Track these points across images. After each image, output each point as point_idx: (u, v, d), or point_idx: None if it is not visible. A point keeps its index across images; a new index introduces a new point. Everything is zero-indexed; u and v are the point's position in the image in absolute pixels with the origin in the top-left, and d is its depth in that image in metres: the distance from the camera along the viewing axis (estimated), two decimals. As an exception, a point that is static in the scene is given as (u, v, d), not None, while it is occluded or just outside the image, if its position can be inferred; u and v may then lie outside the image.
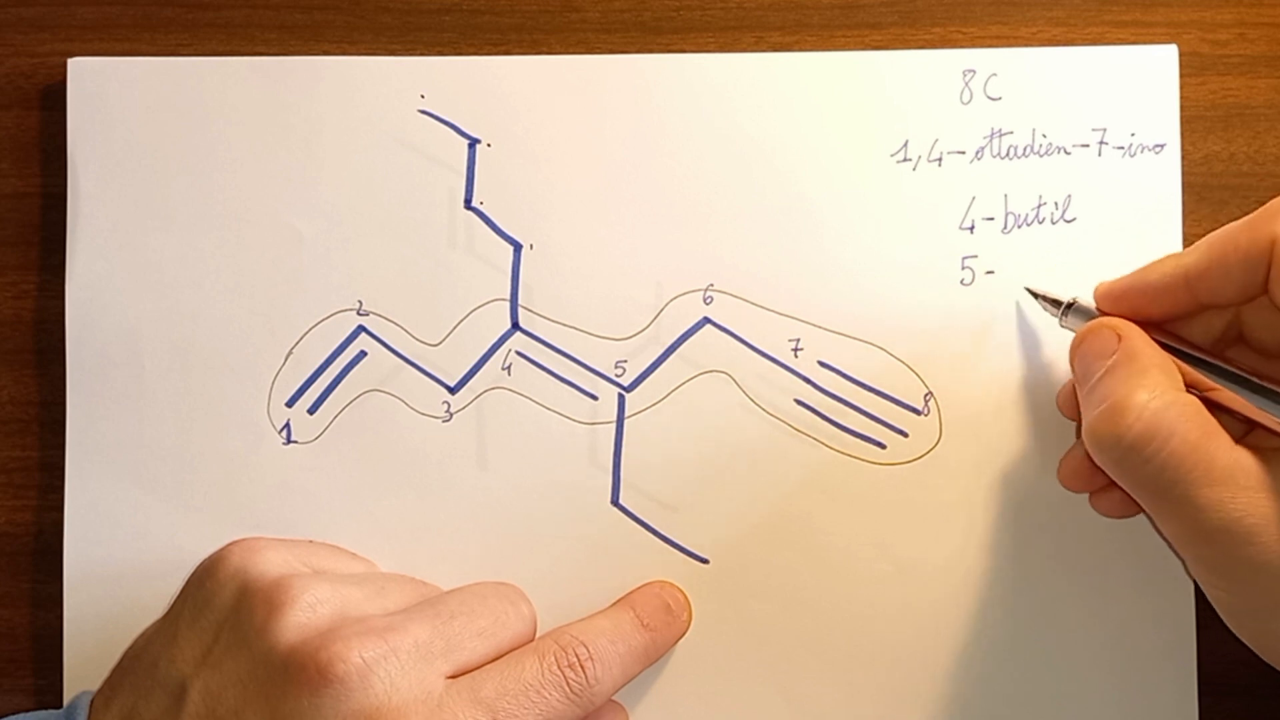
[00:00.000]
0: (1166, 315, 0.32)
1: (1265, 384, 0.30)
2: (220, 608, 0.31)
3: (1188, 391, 0.30)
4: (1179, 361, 0.31)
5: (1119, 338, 0.31)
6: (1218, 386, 0.30)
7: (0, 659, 0.37)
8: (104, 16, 0.37)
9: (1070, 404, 0.35)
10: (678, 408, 0.36)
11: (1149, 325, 0.31)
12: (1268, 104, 0.37)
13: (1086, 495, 0.35)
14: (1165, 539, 0.34)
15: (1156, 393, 0.29)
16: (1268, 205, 0.30)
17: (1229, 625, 0.31)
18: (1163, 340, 0.31)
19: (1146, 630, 0.35)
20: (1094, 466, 0.32)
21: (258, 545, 0.33)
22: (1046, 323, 0.36)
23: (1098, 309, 0.33)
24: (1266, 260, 0.29)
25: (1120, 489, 0.31)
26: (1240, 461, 0.28)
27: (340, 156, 0.36)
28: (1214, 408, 0.30)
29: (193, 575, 0.33)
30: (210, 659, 0.30)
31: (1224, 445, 0.28)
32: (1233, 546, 0.28)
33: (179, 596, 0.32)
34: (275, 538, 0.35)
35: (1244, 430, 0.31)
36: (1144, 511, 0.32)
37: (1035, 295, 0.35)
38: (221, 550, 0.32)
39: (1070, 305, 0.34)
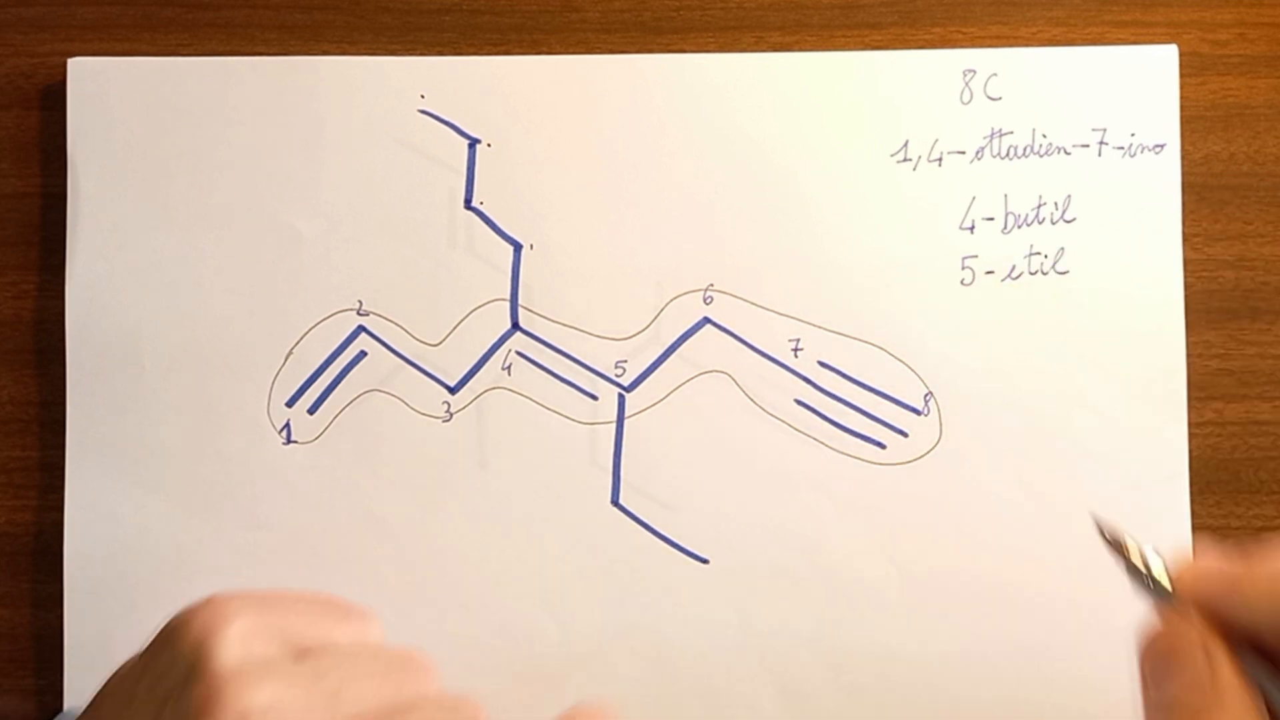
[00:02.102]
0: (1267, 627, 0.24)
1: None
2: (171, 683, 0.27)
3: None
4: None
5: (1212, 673, 0.25)
6: None
7: (0, 659, 0.37)
8: (104, 16, 0.37)
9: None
10: (678, 408, 0.36)
11: (1234, 632, 0.25)
12: (1268, 104, 0.37)
13: (1085, 495, 0.35)
14: None
15: None
16: None
17: None
18: (1250, 660, 0.25)
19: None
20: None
21: (227, 612, 0.28)
22: (1047, 327, 0.36)
23: (1173, 588, 0.26)
24: None
25: None
26: None
27: (340, 156, 0.36)
28: None
29: (160, 632, 0.29)
30: None
31: None
32: None
33: (148, 649, 0.29)
34: (256, 594, 0.30)
35: None
36: None
37: (1102, 534, 0.27)
38: (189, 611, 0.28)
39: (1149, 578, 0.26)
